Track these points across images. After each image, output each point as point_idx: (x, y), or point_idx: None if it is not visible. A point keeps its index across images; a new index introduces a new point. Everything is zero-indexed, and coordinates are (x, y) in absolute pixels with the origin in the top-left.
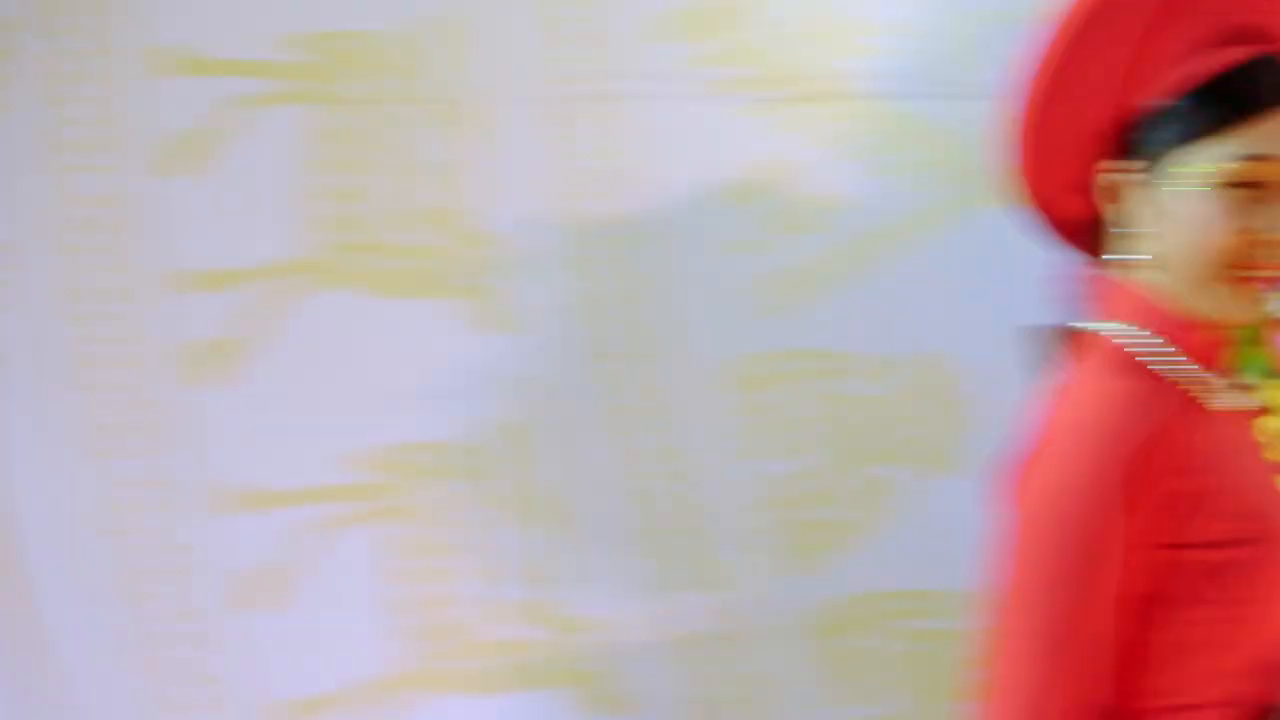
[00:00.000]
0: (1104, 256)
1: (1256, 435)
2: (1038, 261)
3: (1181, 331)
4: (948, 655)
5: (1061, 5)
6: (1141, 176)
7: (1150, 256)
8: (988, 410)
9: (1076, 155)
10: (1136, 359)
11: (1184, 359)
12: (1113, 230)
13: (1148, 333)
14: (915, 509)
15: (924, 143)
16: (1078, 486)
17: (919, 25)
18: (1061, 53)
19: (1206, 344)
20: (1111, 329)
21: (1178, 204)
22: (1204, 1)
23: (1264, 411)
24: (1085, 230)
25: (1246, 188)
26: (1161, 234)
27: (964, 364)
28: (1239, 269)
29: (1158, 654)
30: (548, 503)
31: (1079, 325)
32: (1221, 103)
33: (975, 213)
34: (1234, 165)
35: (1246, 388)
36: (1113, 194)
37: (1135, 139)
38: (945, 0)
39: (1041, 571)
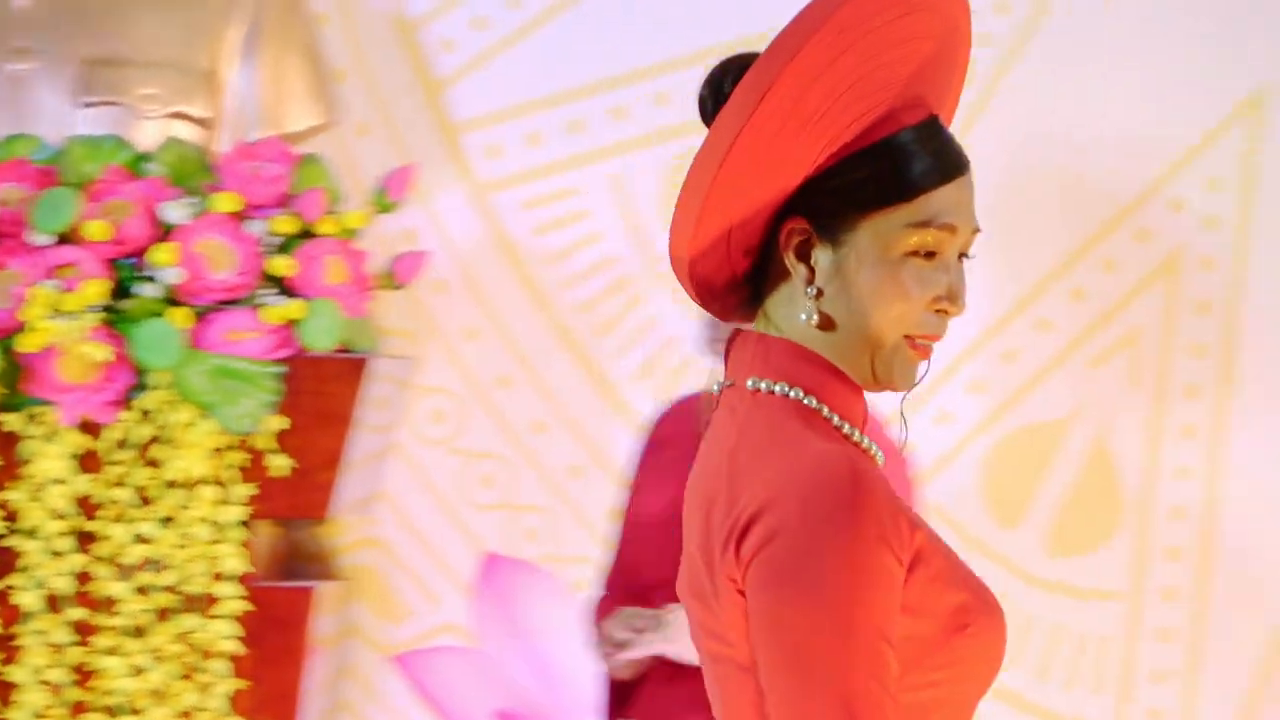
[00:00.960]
0: (766, 315)
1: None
2: None
3: (840, 394)
4: None
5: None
6: (821, 238)
7: (816, 318)
8: None
9: (750, 214)
10: (820, 418)
11: (845, 422)
12: (786, 290)
13: (812, 396)
14: None
15: None
16: (855, 550)
17: None
18: (752, 111)
19: (859, 407)
20: (782, 389)
21: (854, 269)
22: (883, 71)
23: None
24: (731, 289)
25: (921, 256)
26: (836, 297)
27: None
28: (909, 337)
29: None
30: None
31: (723, 382)
32: (895, 171)
33: None
34: (909, 234)
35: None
36: (792, 253)
37: (817, 201)
38: None
39: (843, 644)
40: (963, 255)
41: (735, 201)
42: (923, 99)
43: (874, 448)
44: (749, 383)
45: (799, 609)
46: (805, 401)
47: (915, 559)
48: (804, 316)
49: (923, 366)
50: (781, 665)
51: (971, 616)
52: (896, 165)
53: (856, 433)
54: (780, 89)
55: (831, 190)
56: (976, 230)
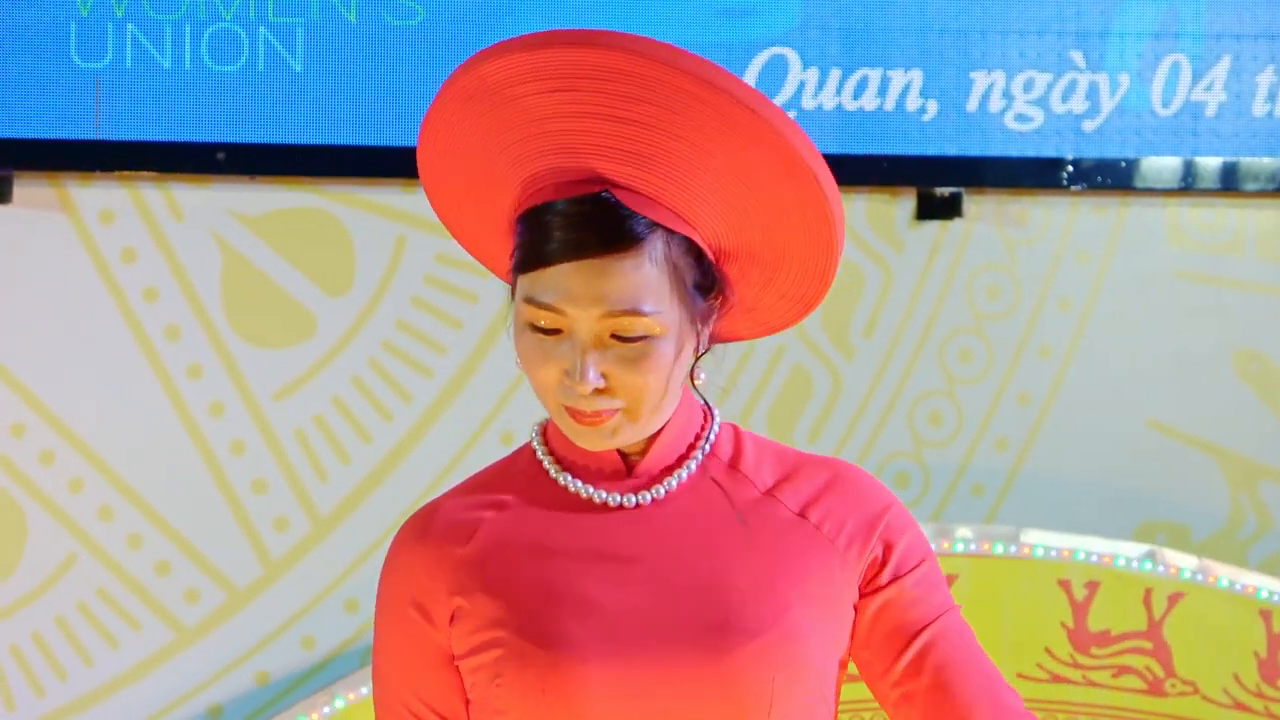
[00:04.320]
0: None
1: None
2: None
3: (561, 436)
4: None
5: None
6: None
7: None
8: None
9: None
10: (533, 459)
11: (556, 465)
12: None
13: (540, 435)
14: None
15: None
16: (382, 583)
17: None
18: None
19: (582, 452)
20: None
21: (515, 331)
22: (539, 141)
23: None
24: None
25: (540, 331)
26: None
27: None
28: (565, 403)
29: None
30: None
31: None
32: (519, 244)
33: None
34: (523, 307)
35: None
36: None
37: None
38: None
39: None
40: (620, 337)
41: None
42: (598, 174)
43: (586, 490)
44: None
45: None
46: (532, 438)
47: (455, 614)
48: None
49: (593, 435)
50: None
51: (503, 667)
52: (520, 238)
53: (565, 476)
54: (421, 153)
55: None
56: (611, 313)
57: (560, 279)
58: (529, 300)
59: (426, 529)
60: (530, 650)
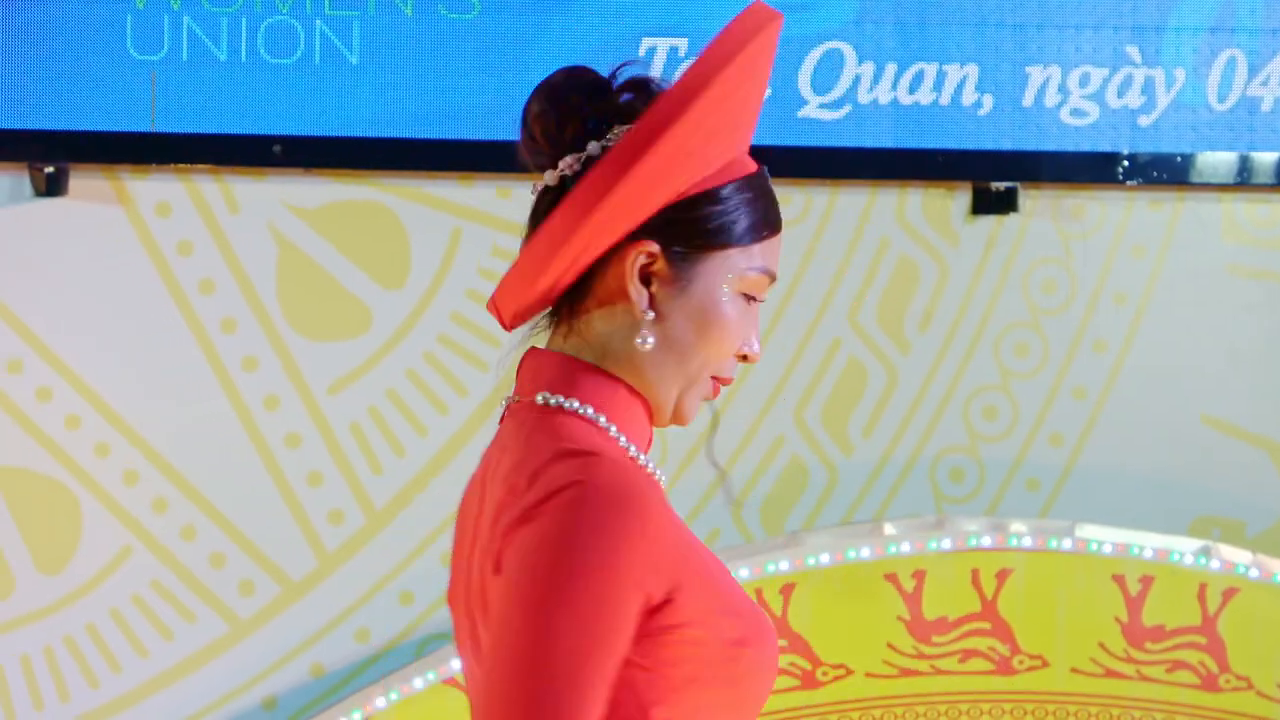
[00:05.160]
0: (577, 332)
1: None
2: None
3: (630, 418)
4: None
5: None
6: (670, 265)
7: (652, 341)
8: None
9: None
10: (607, 435)
11: (632, 444)
12: (609, 310)
13: (602, 414)
14: None
15: None
16: (598, 561)
17: None
18: (664, 129)
19: (646, 433)
20: (571, 404)
21: (693, 302)
22: (753, 108)
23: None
24: (541, 300)
25: (750, 300)
26: (669, 326)
27: None
28: (715, 377)
29: None
30: None
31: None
32: (753, 212)
33: None
34: (750, 277)
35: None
36: (636, 276)
37: (673, 228)
38: None
39: (546, 660)
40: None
41: (618, 219)
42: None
43: (658, 471)
44: (539, 398)
45: (538, 606)
46: (594, 418)
47: (672, 591)
48: (639, 341)
49: (701, 405)
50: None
51: (748, 641)
52: (754, 205)
53: (642, 456)
54: (700, 107)
55: (692, 220)
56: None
57: (778, 247)
58: (761, 269)
59: (651, 502)
60: (766, 637)
